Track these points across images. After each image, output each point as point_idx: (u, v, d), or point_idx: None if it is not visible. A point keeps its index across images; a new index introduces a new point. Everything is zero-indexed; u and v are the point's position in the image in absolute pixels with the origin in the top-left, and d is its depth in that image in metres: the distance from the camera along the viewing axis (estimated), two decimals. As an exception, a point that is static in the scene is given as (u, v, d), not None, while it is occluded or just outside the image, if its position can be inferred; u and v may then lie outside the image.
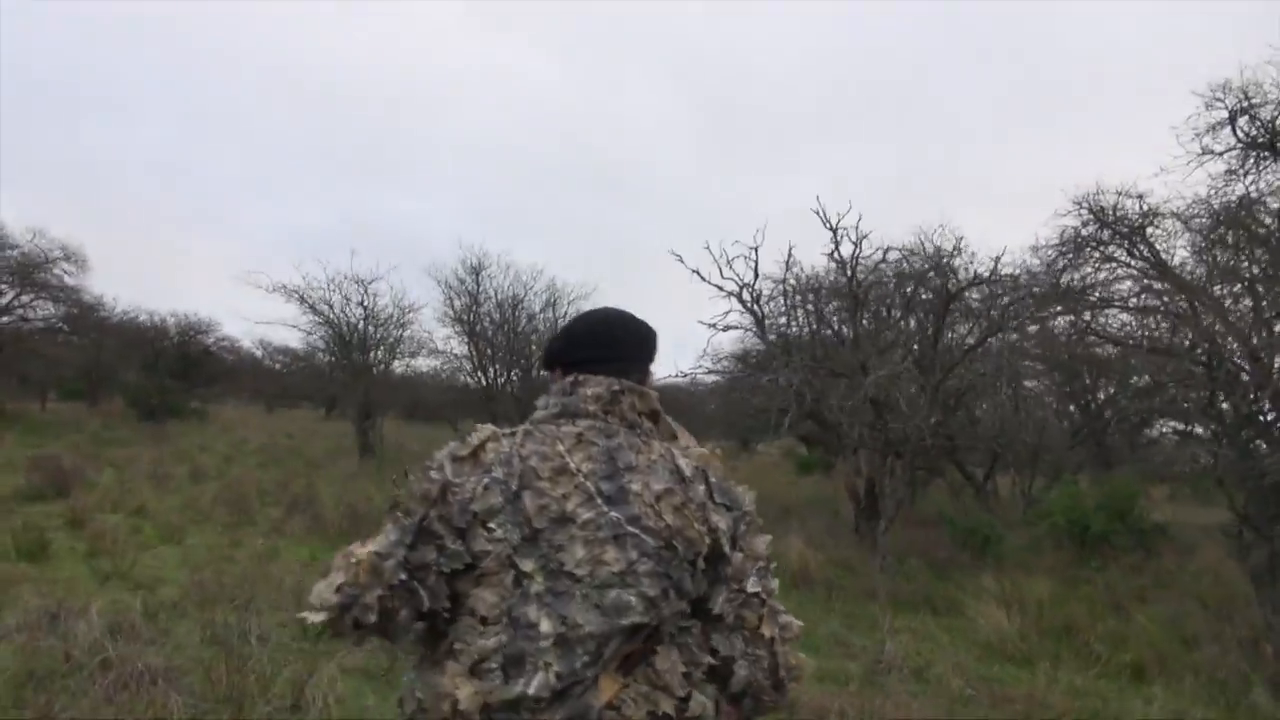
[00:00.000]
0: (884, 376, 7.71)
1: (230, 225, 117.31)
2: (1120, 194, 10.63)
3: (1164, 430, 18.76)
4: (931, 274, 9.68)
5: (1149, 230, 10.99)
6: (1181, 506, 16.70)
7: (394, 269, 34.49)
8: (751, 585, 1.53)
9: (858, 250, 9.40)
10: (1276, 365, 9.87)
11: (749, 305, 9.82)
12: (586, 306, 23.95)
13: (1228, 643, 5.73)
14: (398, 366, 20.52)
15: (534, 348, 20.17)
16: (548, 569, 1.43)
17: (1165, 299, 11.19)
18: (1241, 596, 7.23)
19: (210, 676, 4.36)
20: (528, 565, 1.43)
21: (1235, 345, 10.80)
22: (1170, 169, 10.88)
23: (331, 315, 18.96)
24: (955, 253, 9.79)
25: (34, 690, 4.02)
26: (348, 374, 19.24)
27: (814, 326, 10.35)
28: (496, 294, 19.52)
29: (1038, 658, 5.94)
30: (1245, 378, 8.10)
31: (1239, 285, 10.51)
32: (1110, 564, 9.29)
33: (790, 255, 10.07)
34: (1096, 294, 11.54)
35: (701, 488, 1.54)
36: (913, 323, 10.83)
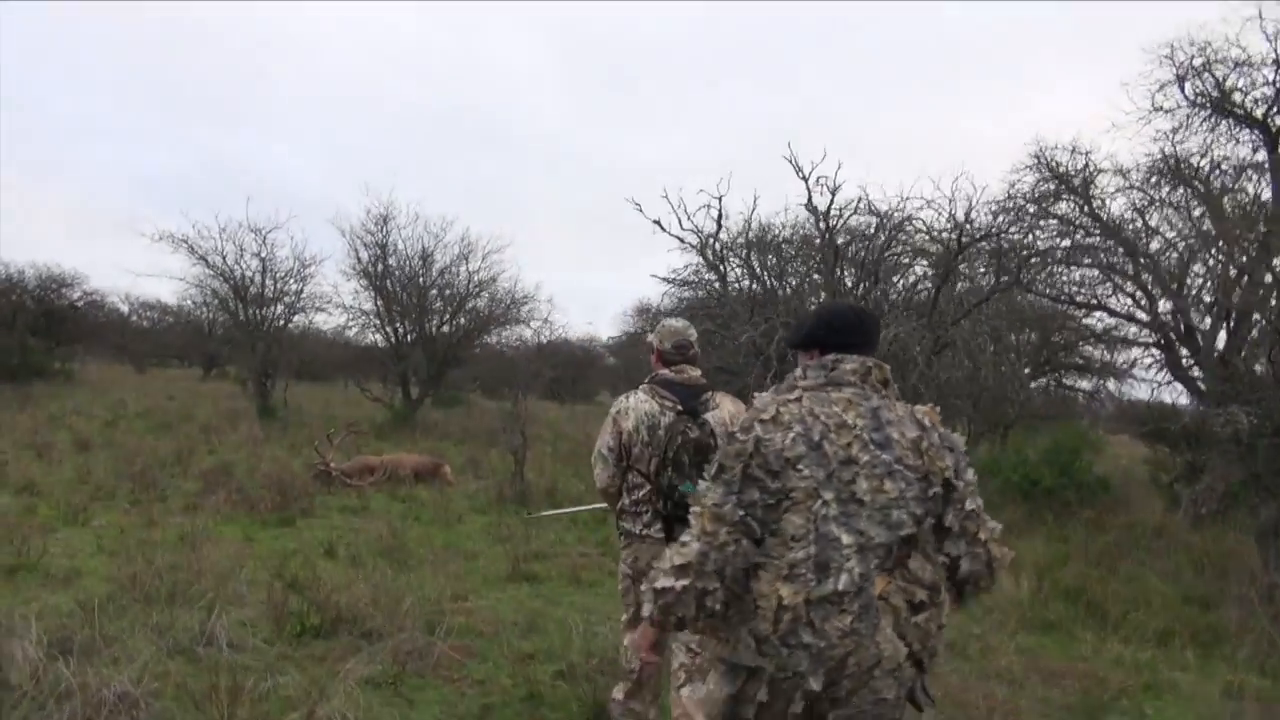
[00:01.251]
0: (900, 334, 7.36)
1: (69, 171, 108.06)
2: (1073, 150, 10.64)
3: (1065, 384, 19.42)
4: (935, 227, 9.32)
5: (1090, 189, 11.06)
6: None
7: (293, 218, 31.35)
8: (969, 504, 1.98)
9: (833, 202, 8.98)
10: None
11: (713, 260, 9.30)
12: (501, 260, 22.64)
13: (1246, 605, 5.66)
14: (296, 322, 19.02)
15: (440, 305, 19.00)
16: (840, 497, 1.87)
17: (1104, 256, 11.33)
18: (1232, 555, 7.28)
19: (193, 700, 3.60)
20: (828, 495, 1.86)
21: (1172, 305, 11.02)
22: (1121, 125, 10.96)
23: (224, 267, 17.40)
24: (971, 207, 9.32)
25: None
26: (242, 331, 17.72)
27: (778, 282, 9.91)
28: (405, 246, 18.28)
29: (1061, 625, 5.76)
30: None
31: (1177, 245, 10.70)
32: (1068, 520, 9.34)
33: (755, 207, 9.59)
34: (1035, 251, 11.61)
35: (936, 435, 2.00)
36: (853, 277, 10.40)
